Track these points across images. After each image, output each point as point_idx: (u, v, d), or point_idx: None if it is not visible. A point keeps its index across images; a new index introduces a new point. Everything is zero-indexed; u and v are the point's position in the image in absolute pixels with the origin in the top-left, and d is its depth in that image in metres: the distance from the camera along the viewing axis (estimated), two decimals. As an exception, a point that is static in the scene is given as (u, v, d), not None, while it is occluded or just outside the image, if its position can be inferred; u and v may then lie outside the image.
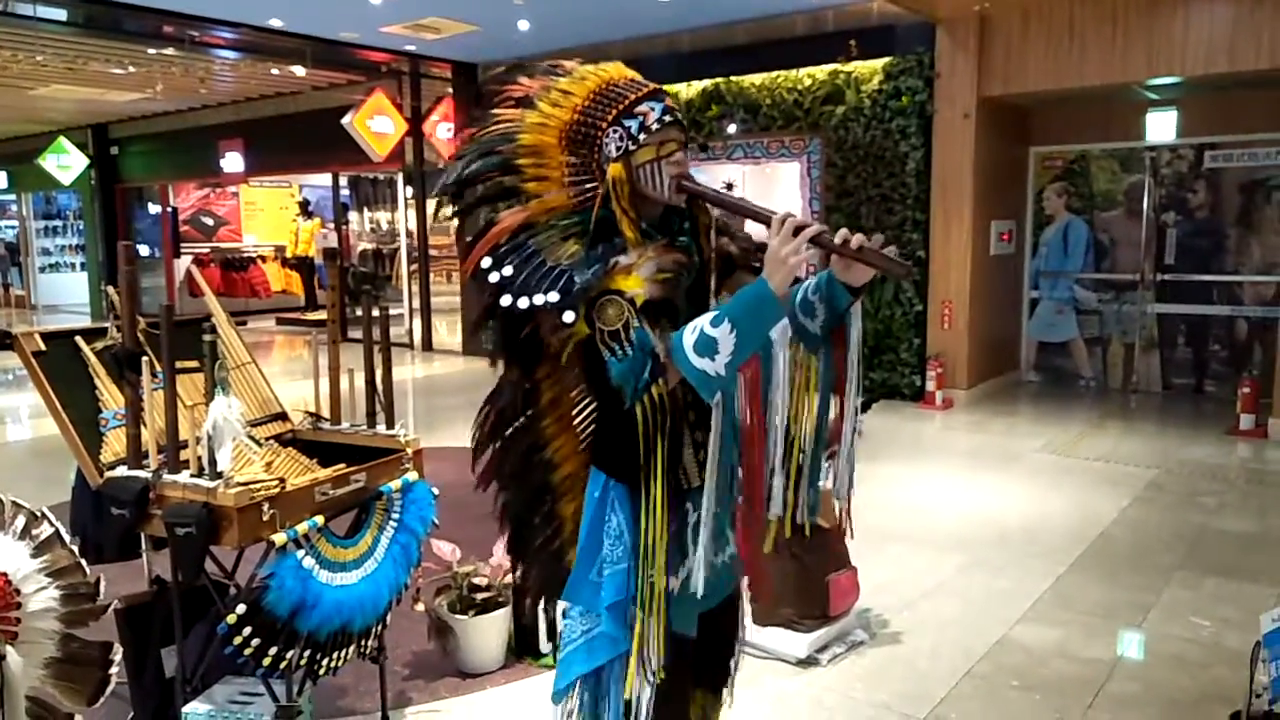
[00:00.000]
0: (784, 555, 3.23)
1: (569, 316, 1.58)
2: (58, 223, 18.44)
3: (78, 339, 2.68)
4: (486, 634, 3.18)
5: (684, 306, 1.64)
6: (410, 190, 11.70)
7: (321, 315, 10.32)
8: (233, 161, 13.62)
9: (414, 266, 11.95)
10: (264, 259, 16.15)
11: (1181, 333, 8.03)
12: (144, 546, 2.85)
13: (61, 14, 8.67)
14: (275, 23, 8.64)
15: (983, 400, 7.77)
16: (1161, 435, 6.64)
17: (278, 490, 2.29)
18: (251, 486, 2.24)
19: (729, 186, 8.48)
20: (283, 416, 2.95)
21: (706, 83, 8.45)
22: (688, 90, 8.54)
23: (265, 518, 2.25)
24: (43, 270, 18.30)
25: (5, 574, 2.10)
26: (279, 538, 2.26)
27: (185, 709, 2.45)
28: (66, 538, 2.27)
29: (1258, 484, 5.54)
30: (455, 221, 1.82)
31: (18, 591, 2.10)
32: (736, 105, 8.27)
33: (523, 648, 3.28)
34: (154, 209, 15.84)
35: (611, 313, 1.57)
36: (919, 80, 7.42)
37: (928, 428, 7.03)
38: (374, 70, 10.75)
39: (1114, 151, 8.11)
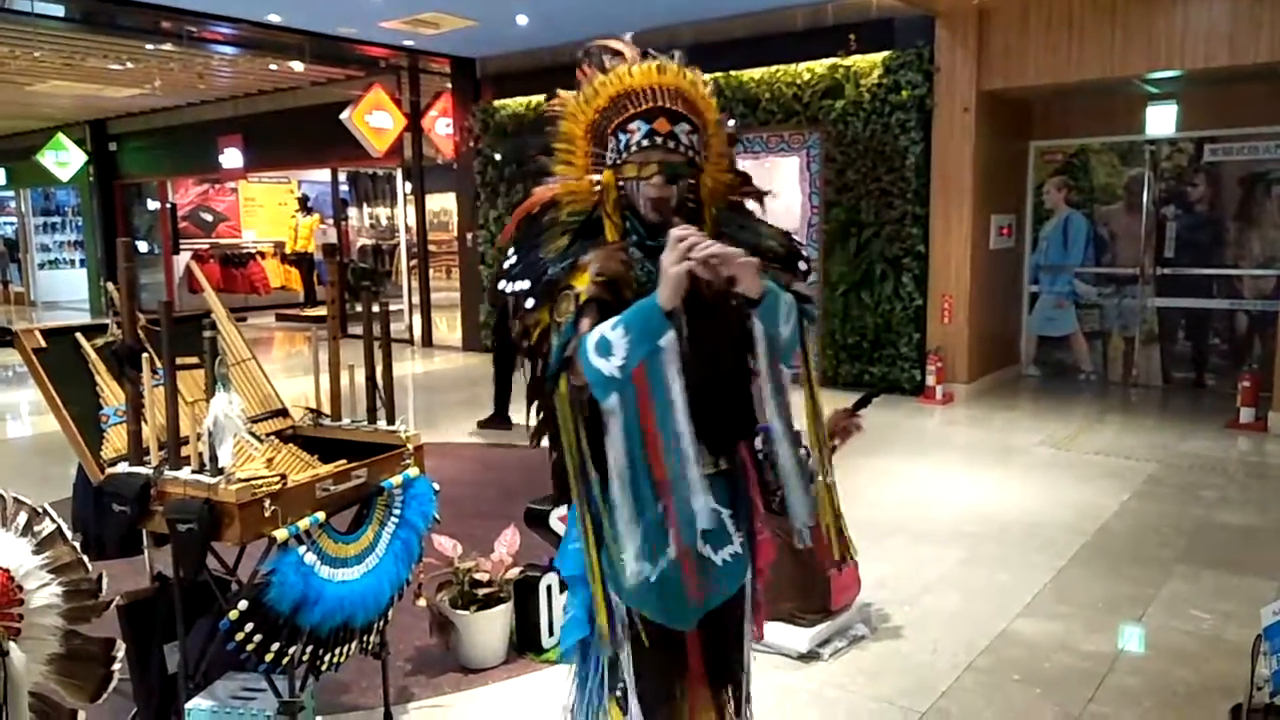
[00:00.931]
0: (784, 550, 3.23)
1: (530, 303, 1.71)
2: (57, 219, 18.42)
3: (78, 336, 2.68)
4: (488, 629, 3.19)
5: (678, 311, 1.65)
6: (409, 186, 11.69)
7: (321, 311, 10.33)
8: (231, 157, 13.60)
9: (413, 262, 11.94)
10: (263, 255, 16.15)
11: (1181, 327, 8.03)
12: (146, 543, 2.84)
13: (59, 9, 8.65)
14: (273, 18, 8.62)
15: (983, 395, 7.78)
16: (1161, 429, 6.64)
17: (279, 486, 2.29)
18: (253, 483, 2.24)
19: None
20: (283, 413, 2.96)
21: (705, 77, 8.42)
22: (687, 85, 8.52)
23: (267, 514, 2.25)
24: (42, 267, 18.28)
25: (8, 570, 2.10)
26: (280, 534, 2.27)
27: (188, 705, 2.45)
28: (68, 534, 2.28)
29: (1258, 477, 5.54)
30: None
31: (20, 588, 2.11)
32: (735, 100, 8.26)
33: (524, 643, 3.29)
34: (153, 205, 15.82)
35: (564, 306, 1.68)
36: (918, 74, 7.41)
37: (928, 422, 7.04)
38: (373, 65, 10.74)
39: (1114, 145, 8.10)
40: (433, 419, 7.16)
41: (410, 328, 11.94)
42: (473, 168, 10.40)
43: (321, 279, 14.50)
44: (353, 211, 14.80)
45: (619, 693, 1.79)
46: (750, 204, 2.04)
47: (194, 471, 2.29)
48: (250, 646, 2.24)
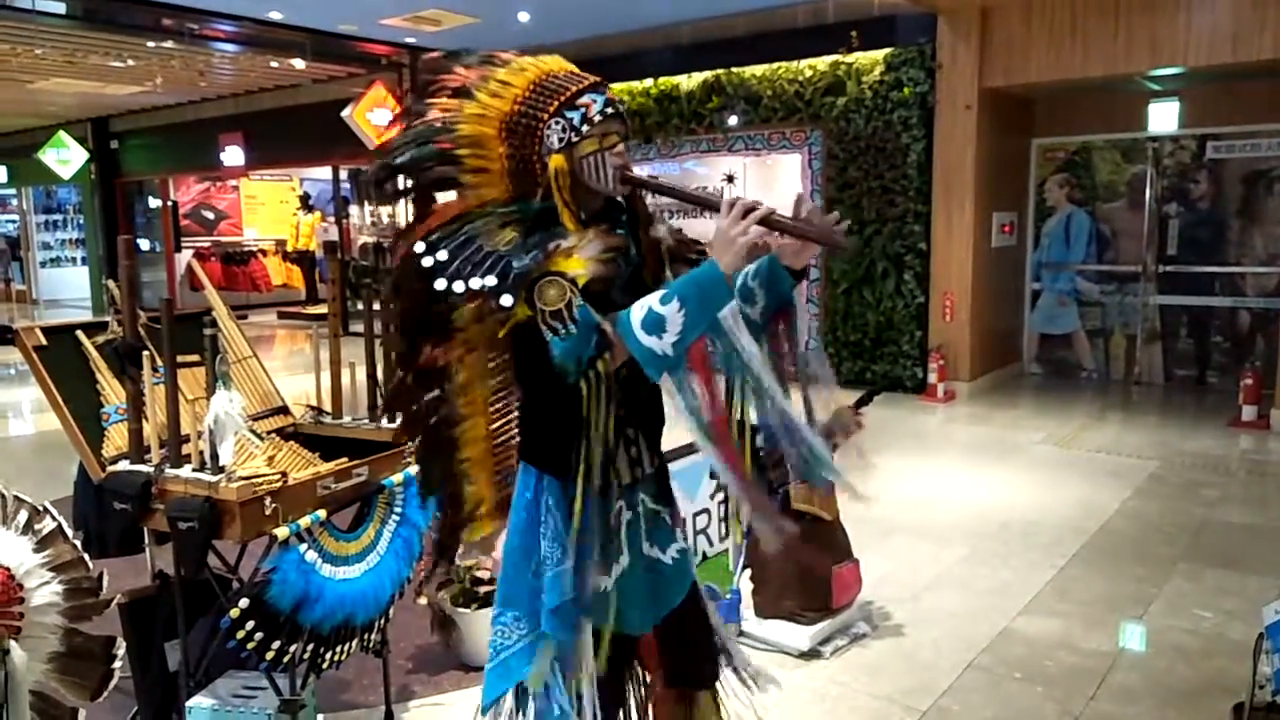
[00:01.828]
0: (785, 550, 3.23)
1: (507, 300, 1.58)
2: (58, 217, 18.42)
3: (79, 334, 2.68)
4: (489, 627, 3.18)
5: (620, 299, 1.63)
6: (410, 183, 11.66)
7: (322, 309, 10.32)
8: (233, 155, 13.59)
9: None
10: (265, 253, 16.13)
11: (1183, 324, 8.01)
12: (147, 541, 2.84)
13: (60, 7, 8.65)
14: (275, 15, 8.62)
15: (985, 392, 7.77)
16: (1163, 427, 6.63)
17: (280, 484, 2.29)
18: (254, 481, 2.24)
19: (730, 179, 8.47)
20: (284, 410, 2.95)
21: (707, 74, 8.43)
22: (688, 82, 8.52)
23: (268, 512, 2.25)
24: (43, 265, 18.28)
25: (8, 569, 2.10)
26: (281, 532, 2.26)
27: (189, 703, 2.45)
28: (69, 532, 2.28)
29: (1260, 476, 5.54)
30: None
31: (21, 586, 2.11)
32: (737, 97, 8.25)
33: (525, 641, 3.28)
34: (154, 203, 15.82)
35: (553, 293, 1.56)
36: (920, 71, 7.40)
37: (929, 420, 7.03)
38: (374, 62, 10.72)
39: (1116, 142, 8.08)
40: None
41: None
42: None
43: (323, 277, 14.48)
44: (354, 209, 14.79)
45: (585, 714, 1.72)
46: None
47: (195, 469, 2.29)
48: (251, 644, 2.24)
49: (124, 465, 2.40)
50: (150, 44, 9.88)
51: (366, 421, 2.83)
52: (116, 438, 2.54)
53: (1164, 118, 7.63)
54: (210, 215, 16.16)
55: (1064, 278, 8.46)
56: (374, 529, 2.55)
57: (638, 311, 1.54)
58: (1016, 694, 3.03)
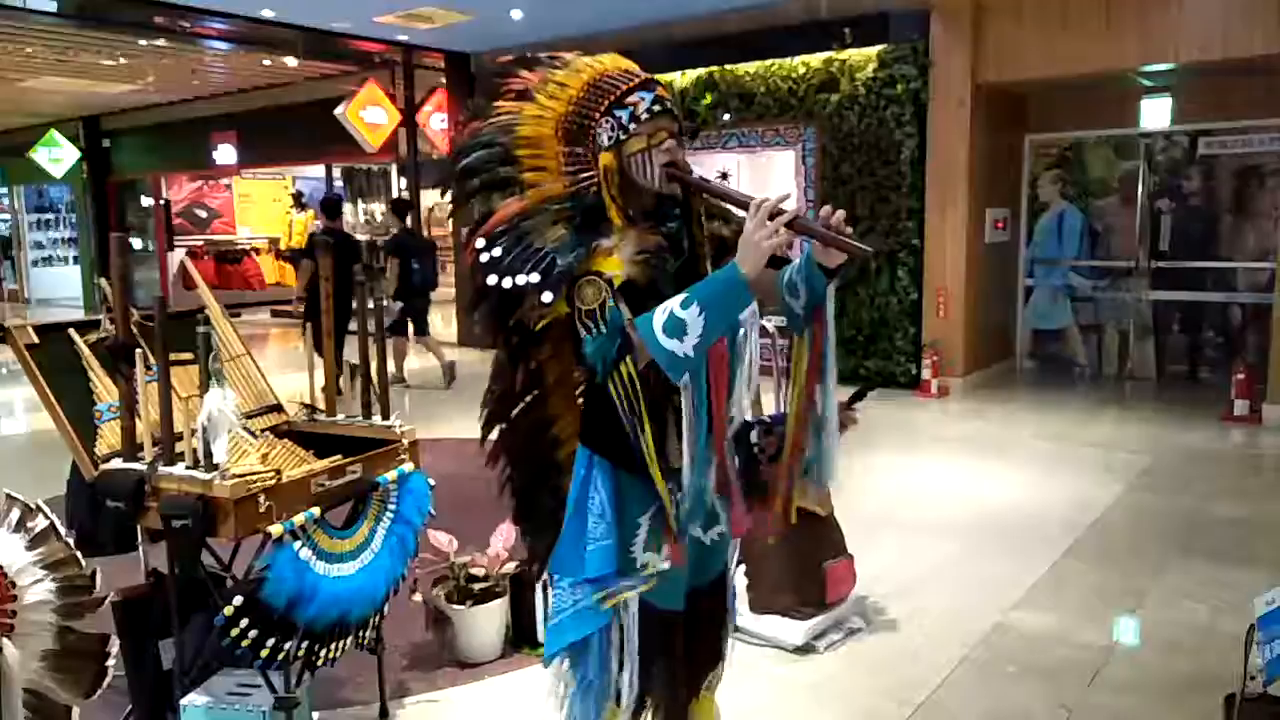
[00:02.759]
0: (780, 542, 3.23)
1: (547, 296, 1.65)
2: (50, 216, 18.36)
3: (71, 332, 2.67)
4: (484, 624, 3.19)
5: (673, 291, 1.66)
6: (404, 181, 11.65)
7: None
8: (225, 154, 13.56)
9: (409, 258, 11.89)
10: (258, 251, 16.10)
11: (1176, 319, 8.04)
12: (140, 539, 2.84)
13: (52, 5, 8.62)
14: (267, 13, 8.59)
15: (978, 388, 7.79)
16: (1156, 422, 6.66)
17: (274, 482, 2.28)
18: (247, 478, 2.24)
19: (724, 175, 8.48)
20: (278, 408, 2.95)
21: (700, 71, 8.43)
22: (682, 79, 8.51)
23: (261, 509, 2.25)
24: (35, 264, 18.22)
25: (0, 567, 2.10)
26: (275, 529, 2.26)
27: (183, 701, 2.45)
28: (62, 530, 2.27)
29: (1251, 469, 5.56)
30: (449, 211, 1.86)
31: (13, 584, 2.10)
32: (731, 94, 8.25)
33: (520, 637, 3.29)
34: (147, 202, 15.77)
35: (589, 293, 1.63)
36: (913, 68, 7.41)
37: (923, 416, 7.04)
38: (367, 61, 10.70)
39: (1109, 138, 8.11)
40: (428, 415, 7.15)
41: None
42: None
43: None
44: (348, 208, 14.77)
45: (622, 686, 1.79)
46: None
47: (188, 467, 2.29)
48: (246, 642, 2.23)
49: (117, 463, 2.39)
50: (142, 42, 9.86)
51: (360, 419, 2.83)
52: (109, 436, 2.53)
53: (1156, 114, 7.66)
54: (203, 214, 16.12)
55: (1057, 273, 8.49)
56: (368, 526, 2.55)
57: (659, 315, 1.57)
58: (1010, 687, 3.04)
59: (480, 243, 1.73)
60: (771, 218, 1.55)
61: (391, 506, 2.61)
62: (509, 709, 2.94)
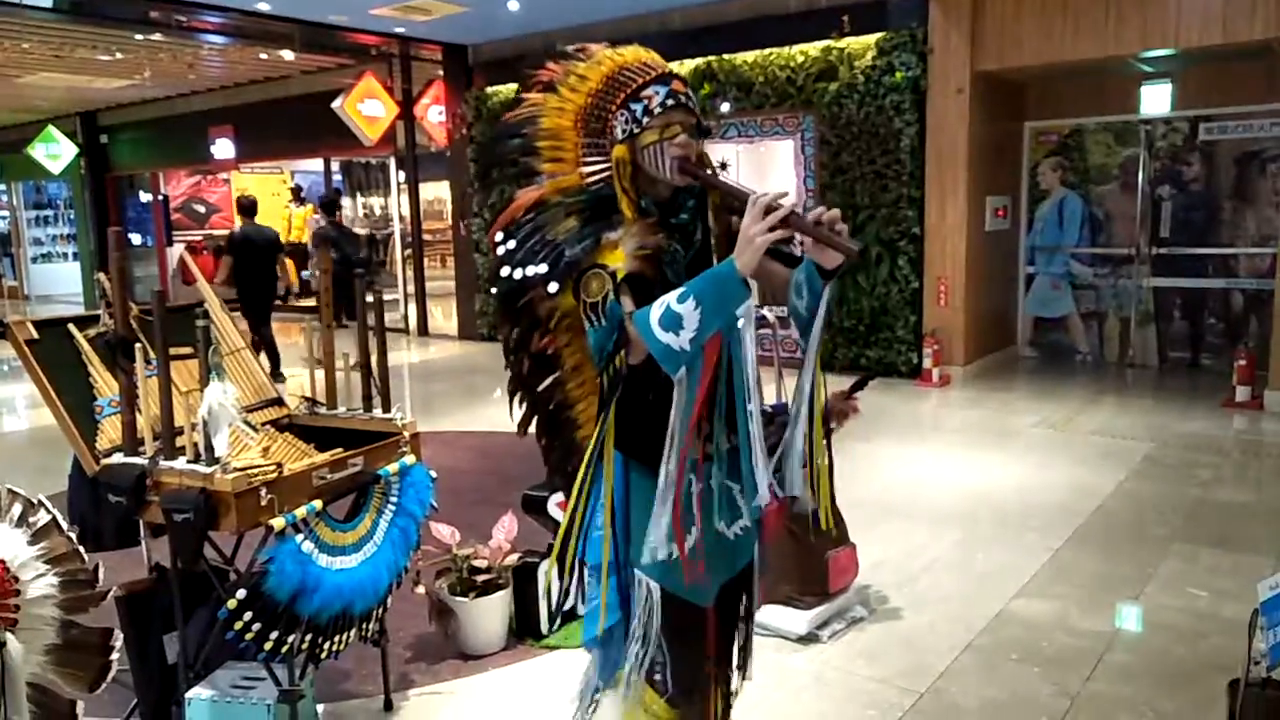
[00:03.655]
0: (783, 533, 3.23)
1: (553, 287, 1.69)
2: (49, 212, 18.35)
3: (71, 326, 2.66)
4: (487, 616, 3.19)
5: (683, 283, 1.67)
6: (402, 174, 11.63)
7: (314, 301, 10.29)
8: (223, 148, 13.52)
9: (408, 251, 11.90)
10: (257, 247, 16.04)
11: (1177, 306, 8.03)
12: (143, 533, 2.84)
13: (48, 0, 8.58)
14: (263, 6, 8.56)
15: (979, 376, 7.78)
16: (1157, 409, 6.65)
17: (275, 475, 2.28)
18: (249, 472, 2.23)
19: (723, 166, 8.44)
20: (278, 402, 2.95)
21: (698, 61, 8.40)
22: (679, 69, 8.47)
23: (263, 503, 2.25)
24: (35, 260, 18.21)
25: (3, 561, 2.09)
26: (277, 522, 2.26)
27: (188, 695, 2.45)
28: (64, 525, 2.27)
29: (1253, 456, 5.56)
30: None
31: (16, 579, 2.10)
32: (729, 84, 8.22)
33: (524, 629, 3.29)
34: (145, 197, 15.74)
35: (594, 285, 1.65)
36: (912, 55, 7.38)
37: (925, 404, 7.04)
38: (364, 53, 10.67)
39: (1109, 125, 8.08)
40: (429, 408, 7.15)
41: (405, 317, 11.91)
42: (466, 155, 10.36)
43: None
44: (346, 201, 14.74)
45: (657, 675, 1.79)
46: None
47: (189, 461, 2.29)
48: (249, 635, 2.24)
49: (118, 458, 2.39)
50: (138, 37, 9.82)
51: (361, 412, 2.83)
52: (110, 430, 2.53)
53: (1156, 100, 7.63)
54: (201, 209, 16.09)
55: (1058, 261, 8.47)
56: (370, 519, 2.55)
57: (656, 309, 1.58)
58: (1013, 675, 3.04)
59: (499, 235, 1.78)
60: (767, 213, 1.55)
61: (393, 499, 2.62)
62: (513, 701, 2.95)
